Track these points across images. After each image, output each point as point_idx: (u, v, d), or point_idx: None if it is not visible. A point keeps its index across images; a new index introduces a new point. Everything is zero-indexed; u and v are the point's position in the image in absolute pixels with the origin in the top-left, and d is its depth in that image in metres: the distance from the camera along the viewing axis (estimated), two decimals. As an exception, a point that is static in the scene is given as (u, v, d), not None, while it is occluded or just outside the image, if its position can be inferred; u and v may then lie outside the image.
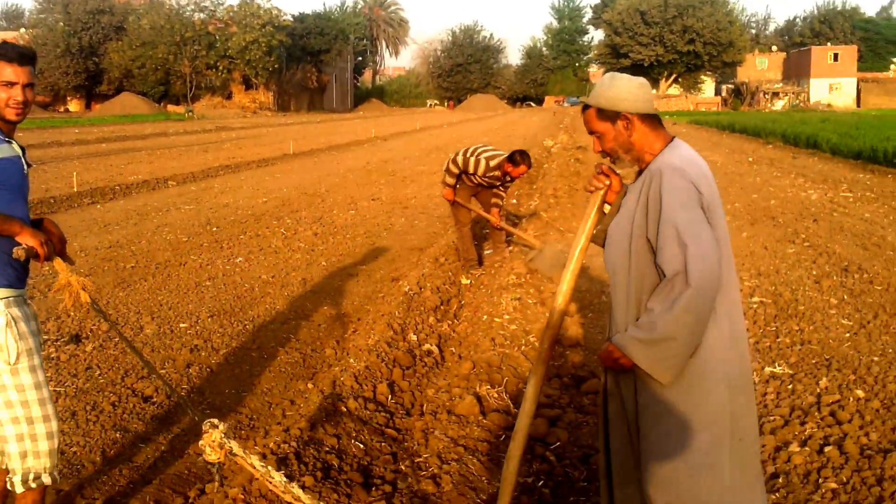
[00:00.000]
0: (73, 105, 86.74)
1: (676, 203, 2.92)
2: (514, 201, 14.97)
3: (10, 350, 3.27)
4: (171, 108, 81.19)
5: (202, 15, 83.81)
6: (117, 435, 5.06)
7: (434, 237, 12.22)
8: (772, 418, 5.12)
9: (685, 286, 2.83)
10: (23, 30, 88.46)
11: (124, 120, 61.23)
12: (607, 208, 3.29)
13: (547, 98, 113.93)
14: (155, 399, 5.67)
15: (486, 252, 10.71)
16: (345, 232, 12.63)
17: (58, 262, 3.49)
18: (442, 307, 8.12)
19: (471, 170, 9.39)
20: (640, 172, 3.21)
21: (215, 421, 3.51)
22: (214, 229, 12.65)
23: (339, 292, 8.94)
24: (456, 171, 9.51)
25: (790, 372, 5.97)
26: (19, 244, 3.25)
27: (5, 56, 3.37)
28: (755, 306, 7.84)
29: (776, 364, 6.14)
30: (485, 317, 7.52)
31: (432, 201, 15.83)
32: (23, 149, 3.54)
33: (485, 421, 5.08)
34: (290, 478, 3.80)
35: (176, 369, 6.24)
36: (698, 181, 2.98)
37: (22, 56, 3.42)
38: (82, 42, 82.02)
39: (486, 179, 9.46)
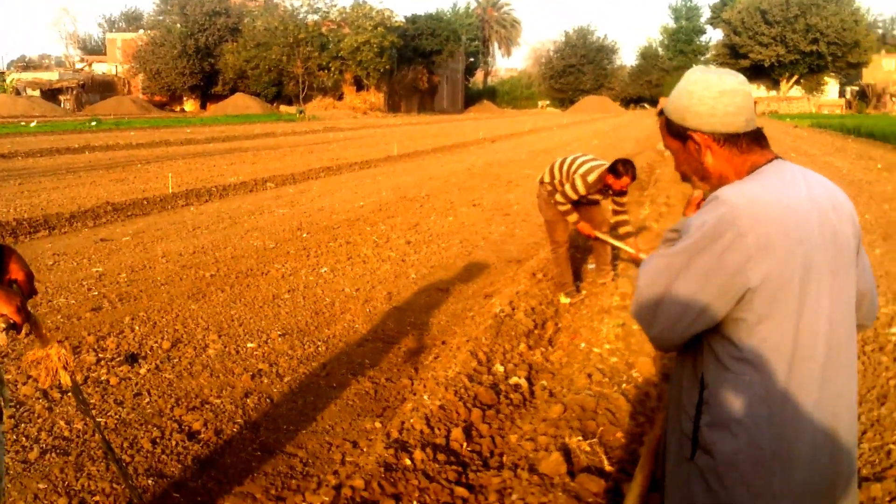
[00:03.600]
0: (189, 105, 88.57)
1: (681, 240, 2.21)
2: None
3: None
4: (283, 108, 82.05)
5: (315, 17, 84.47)
6: (149, 482, 4.42)
7: (534, 248, 11.41)
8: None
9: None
10: (141, 31, 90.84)
11: (237, 120, 61.96)
12: None
13: (661, 99, 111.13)
14: (202, 435, 5.01)
15: (589, 266, 9.85)
16: (440, 240, 11.93)
17: (34, 326, 2.68)
18: (536, 331, 7.32)
19: (569, 193, 8.28)
20: None
21: None
22: (305, 235, 12.10)
23: (425, 310, 8.22)
24: (559, 193, 8.28)
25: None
26: None
27: None
28: (894, 338, 6.80)
29: (927, 417, 5.16)
30: (583, 345, 6.70)
31: (535, 208, 14.98)
32: None
33: (572, 484, 4.23)
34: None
35: (232, 399, 5.60)
36: (749, 231, 2.05)
37: None
38: (198, 43, 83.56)
39: (587, 198, 8.50)
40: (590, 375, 5.74)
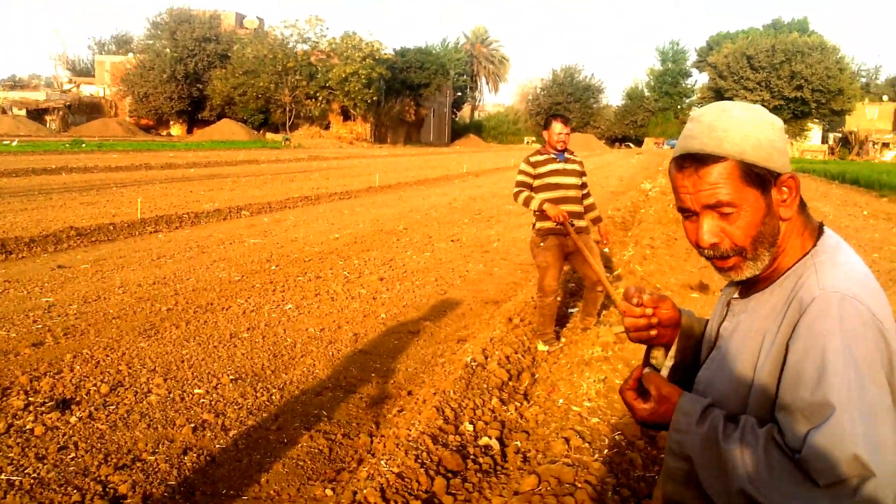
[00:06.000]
0: (176, 130, 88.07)
1: (851, 372, 1.50)
2: (606, 251, 13.50)
3: None
4: (269, 136, 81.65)
5: (305, 46, 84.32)
6: (55, 559, 3.83)
7: (512, 288, 10.87)
8: None
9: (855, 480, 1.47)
10: (130, 55, 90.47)
11: (222, 146, 61.50)
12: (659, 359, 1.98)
13: (646, 140, 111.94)
14: (127, 501, 4.42)
15: (571, 311, 9.34)
16: (414, 277, 11.38)
17: None
18: (510, 383, 6.74)
19: (519, 177, 7.97)
20: (744, 283, 1.83)
21: None
22: (273, 268, 11.54)
23: (393, 354, 7.65)
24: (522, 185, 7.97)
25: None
26: None
27: None
28: None
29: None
30: (560, 401, 6.15)
31: (516, 245, 14.52)
32: None
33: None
34: None
35: (168, 457, 4.99)
36: (886, 322, 1.57)
37: None
38: (187, 69, 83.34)
39: (545, 178, 7.93)
40: (567, 440, 5.17)
